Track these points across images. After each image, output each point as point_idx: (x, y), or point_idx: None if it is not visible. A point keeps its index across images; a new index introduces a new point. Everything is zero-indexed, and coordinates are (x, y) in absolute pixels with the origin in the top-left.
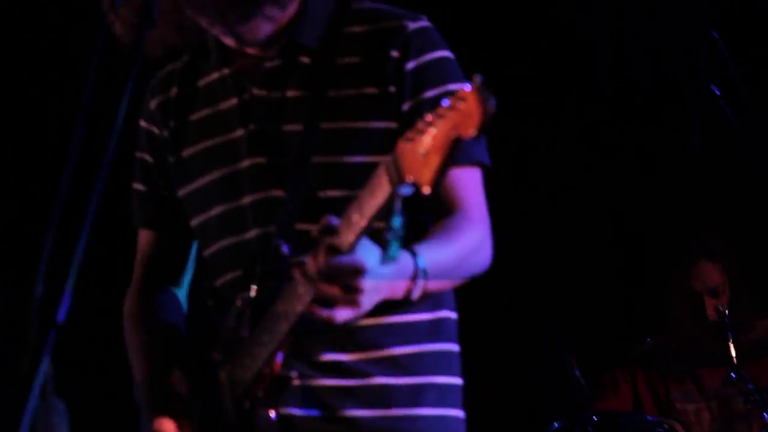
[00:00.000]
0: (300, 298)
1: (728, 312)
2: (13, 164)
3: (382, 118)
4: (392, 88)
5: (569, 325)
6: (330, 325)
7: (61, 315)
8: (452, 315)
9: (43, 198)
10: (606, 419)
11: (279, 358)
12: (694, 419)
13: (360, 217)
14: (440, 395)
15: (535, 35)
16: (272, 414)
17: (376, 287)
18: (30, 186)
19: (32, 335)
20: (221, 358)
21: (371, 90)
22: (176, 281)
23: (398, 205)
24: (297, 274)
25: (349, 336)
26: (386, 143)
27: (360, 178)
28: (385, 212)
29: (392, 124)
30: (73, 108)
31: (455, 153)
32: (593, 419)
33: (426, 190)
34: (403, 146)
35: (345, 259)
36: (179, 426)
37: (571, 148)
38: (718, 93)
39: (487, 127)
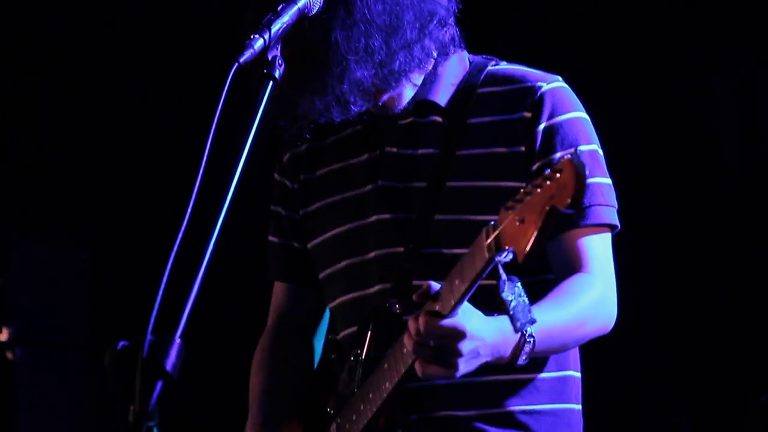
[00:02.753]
0: (404, 358)
1: None
2: (127, 205)
3: (510, 178)
4: (522, 148)
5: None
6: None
7: (170, 365)
8: (577, 374)
9: (156, 245)
10: None
11: (384, 416)
12: None
13: (461, 282)
14: None
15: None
16: None
17: (475, 351)
18: (144, 232)
19: (140, 384)
20: (334, 411)
21: (501, 150)
22: (311, 331)
23: (501, 272)
24: (404, 335)
25: (466, 392)
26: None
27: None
28: (489, 275)
29: (521, 185)
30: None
31: (552, 223)
32: None
33: (521, 258)
34: (504, 214)
35: (444, 323)
36: None
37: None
38: None
39: (581, 199)
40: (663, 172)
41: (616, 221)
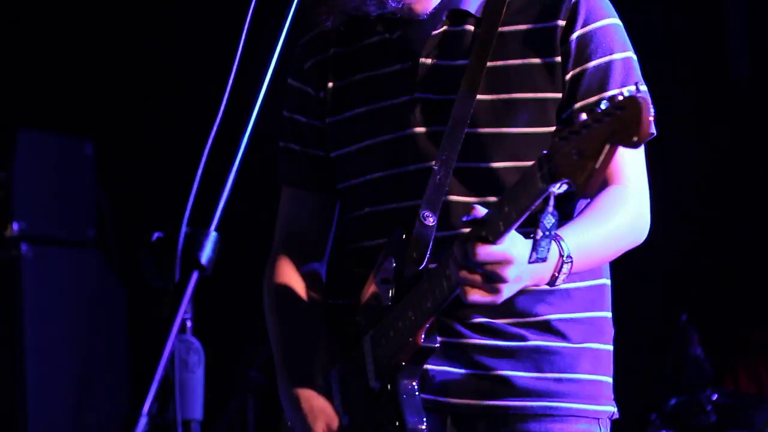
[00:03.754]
0: (448, 280)
1: None
2: (134, 102)
3: (546, 89)
4: (557, 58)
5: (697, 301)
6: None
7: (205, 257)
8: (608, 282)
9: (191, 143)
10: (726, 399)
11: (424, 331)
12: None
13: (511, 210)
14: (594, 362)
15: None
16: (414, 384)
17: (518, 277)
18: (178, 132)
19: (176, 275)
20: (365, 323)
21: (536, 60)
22: (319, 245)
23: (551, 203)
24: (450, 257)
25: (502, 303)
26: (549, 114)
27: (520, 150)
28: (537, 208)
29: (557, 95)
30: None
31: (611, 158)
32: (713, 398)
33: (580, 192)
34: (559, 145)
35: (494, 250)
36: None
37: (703, 120)
38: None
39: (647, 138)
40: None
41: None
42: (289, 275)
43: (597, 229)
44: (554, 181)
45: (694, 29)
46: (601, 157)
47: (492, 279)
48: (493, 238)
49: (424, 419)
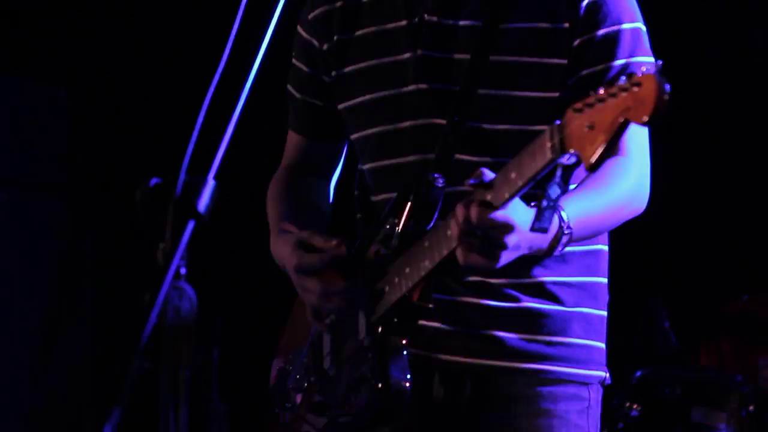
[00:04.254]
0: (448, 240)
1: None
2: (109, 48)
3: (553, 54)
4: (565, 24)
5: (666, 276)
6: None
7: (202, 205)
8: (605, 248)
9: (189, 92)
10: (692, 373)
11: (419, 289)
12: None
13: (518, 177)
14: (587, 326)
15: None
16: (404, 341)
17: (517, 245)
18: (178, 78)
19: (172, 223)
20: (362, 276)
21: (544, 25)
22: (326, 180)
23: (558, 173)
24: (451, 218)
25: None
26: (555, 80)
27: (525, 114)
28: (543, 178)
29: (563, 61)
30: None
31: (622, 134)
32: (679, 372)
33: (587, 165)
34: (571, 116)
35: (496, 215)
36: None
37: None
38: None
39: (659, 116)
40: None
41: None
42: (292, 179)
43: (597, 200)
44: (564, 152)
45: (674, 9)
46: (613, 132)
47: (491, 244)
48: (497, 203)
49: (409, 377)
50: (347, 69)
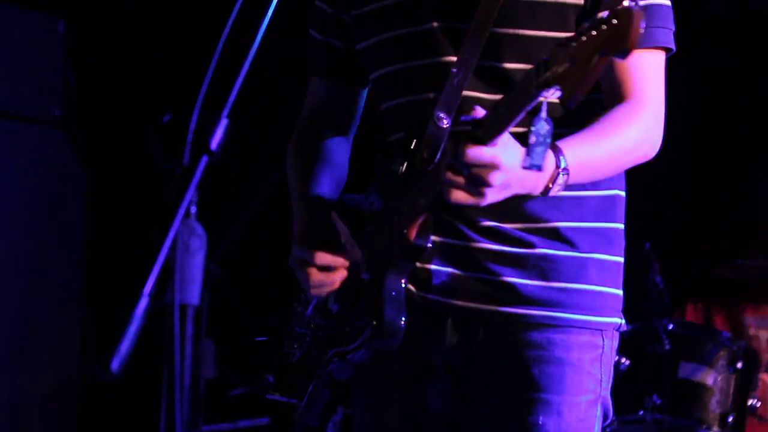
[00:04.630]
0: (441, 175)
1: None
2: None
3: None
4: None
5: (661, 231)
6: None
7: (215, 142)
8: (622, 194)
9: (205, 38)
10: (681, 329)
11: (416, 228)
12: (765, 346)
13: (504, 112)
14: (601, 272)
15: None
16: (402, 281)
17: (506, 183)
18: (154, 19)
19: (185, 160)
20: (368, 217)
21: None
22: (344, 130)
23: (544, 108)
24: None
25: (513, 207)
26: (569, 20)
27: (538, 53)
28: (532, 114)
29: (578, 2)
30: None
31: (601, 68)
32: (668, 327)
33: (565, 100)
34: (557, 51)
35: (483, 152)
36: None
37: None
38: None
39: (634, 49)
40: None
41: (672, 44)
42: (312, 138)
43: (601, 142)
44: (547, 86)
45: None
46: (590, 66)
47: (476, 182)
48: (485, 139)
49: (404, 317)
50: (365, 9)
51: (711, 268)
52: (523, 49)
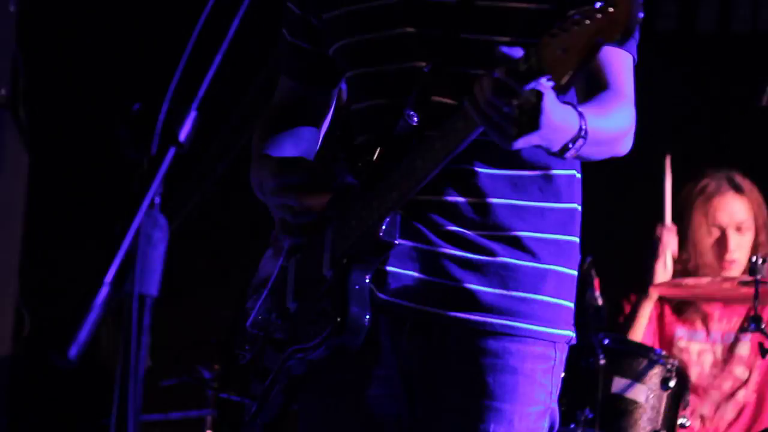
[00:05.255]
0: (416, 172)
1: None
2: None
3: (540, 2)
4: None
5: (601, 245)
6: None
7: (184, 134)
8: (579, 208)
9: (177, 27)
10: (617, 345)
11: (384, 223)
12: (695, 359)
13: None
14: (558, 285)
15: None
16: (367, 278)
17: (542, 127)
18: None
19: (153, 151)
20: (333, 211)
21: None
22: (314, 122)
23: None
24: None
25: (477, 213)
26: (541, 27)
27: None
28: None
29: (545, 6)
30: None
31: (595, 56)
32: (604, 342)
33: (557, 88)
34: (547, 41)
35: (532, 84)
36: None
37: None
38: None
39: (630, 36)
40: None
41: (635, 55)
42: (282, 119)
43: (607, 119)
44: (539, 74)
45: None
46: (585, 53)
47: (515, 119)
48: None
49: (368, 314)
50: (335, 12)
51: (647, 284)
52: (489, 55)
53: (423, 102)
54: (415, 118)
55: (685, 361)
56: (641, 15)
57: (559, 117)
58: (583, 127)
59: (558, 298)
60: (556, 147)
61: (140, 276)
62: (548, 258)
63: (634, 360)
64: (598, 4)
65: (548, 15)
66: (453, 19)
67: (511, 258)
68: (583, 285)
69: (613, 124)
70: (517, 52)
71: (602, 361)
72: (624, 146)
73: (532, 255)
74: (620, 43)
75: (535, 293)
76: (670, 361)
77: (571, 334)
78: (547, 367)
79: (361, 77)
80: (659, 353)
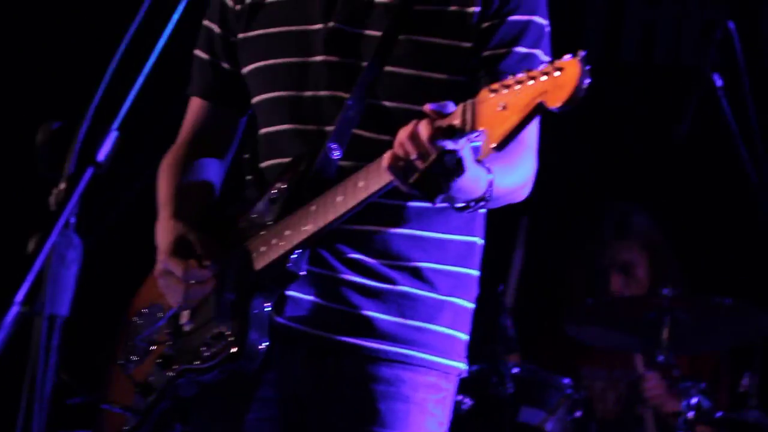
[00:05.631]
0: (335, 206)
1: (665, 292)
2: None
3: (461, 38)
4: (476, 8)
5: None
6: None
7: (103, 154)
8: (481, 241)
9: (100, 47)
10: (526, 373)
11: (295, 254)
12: (598, 396)
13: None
14: (455, 316)
15: None
16: (267, 305)
17: (460, 186)
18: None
19: (71, 170)
20: (242, 236)
21: (455, 8)
22: (220, 153)
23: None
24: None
25: (379, 242)
26: (461, 63)
27: (428, 95)
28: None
29: (470, 44)
30: None
31: (534, 117)
32: (513, 371)
33: (493, 144)
34: (485, 95)
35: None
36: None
37: None
38: (719, 84)
39: (576, 104)
40: None
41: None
42: (186, 155)
43: (506, 177)
44: (473, 129)
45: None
46: (525, 114)
47: (450, 177)
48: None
49: (266, 341)
50: (254, 32)
51: (556, 322)
52: (415, 89)
53: (344, 135)
54: (337, 152)
55: (592, 397)
56: (588, 82)
57: (469, 181)
58: (489, 191)
59: (453, 329)
60: (457, 204)
61: (51, 296)
62: (446, 289)
63: (542, 389)
64: (542, 65)
65: (469, 53)
66: (377, 51)
67: (410, 287)
68: (495, 313)
69: (516, 178)
70: (449, 107)
71: (510, 390)
72: (523, 195)
73: (431, 285)
74: (562, 109)
75: (431, 323)
76: (579, 391)
77: (463, 366)
78: (439, 398)
79: (274, 101)
80: (567, 382)
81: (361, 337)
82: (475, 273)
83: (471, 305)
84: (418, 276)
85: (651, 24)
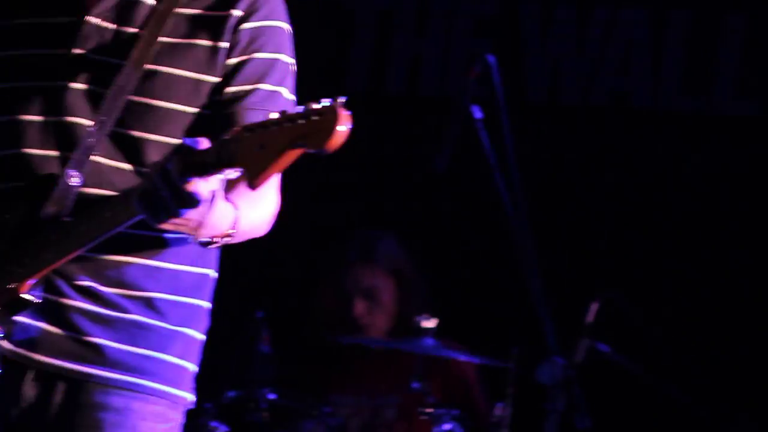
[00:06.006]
0: (80, 237)
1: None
2: None
3: (206, 71)
4: (225, 44)
5: (274, 301)
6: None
7: None
8: (214, 274)
9: None
10: (284, 400)
11: (31, 281)
12: (346, 422)
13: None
14: (185, 347)
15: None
16: (1, 331)
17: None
18: None
19: None
20: None
21: (204, 42)
22: None
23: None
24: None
25: (113, 270)
26: (203, 96)
27: (171, 126)
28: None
29: (215, 79)
30: None
31: (293, 158)
32: (269, 397)
33: (250, 184)
34: (242, 133)
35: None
36: None
37: None
38: (478, 116)
39: (335, 147)
40: None
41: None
42: None
43: (255, 213)
44: (231, 165)
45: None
46: (283, 156)
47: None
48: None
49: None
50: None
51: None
52: (158, 120)
53: (83, 162)
54: (77, 179)
55: (346, 425)
56: (348, 127)
57: (217, 217)
58: (235, 228)
59: (183, 359)
60: (201, 239)
61: None
62: (178, 320)
63: (298, 416)
64: (302, 108)
65: (212, 85)
66: (120, 81)
67: (142, 316)
68: (253, 340)
69: (260, 213)
70: (202, 144)
71: (267, 417)
72: (266, 230)
73: (163, 315)
74: (323, 153)
75: (162, 352)
76: (336, 415)
77: (191, 397)
78: (167, 428)
79: (10, 124)
80: (326, 410)
81: (91, 365)
82: (207, 305)
83: (202, 336)
84: (151, 306)
85: (417, 57)
